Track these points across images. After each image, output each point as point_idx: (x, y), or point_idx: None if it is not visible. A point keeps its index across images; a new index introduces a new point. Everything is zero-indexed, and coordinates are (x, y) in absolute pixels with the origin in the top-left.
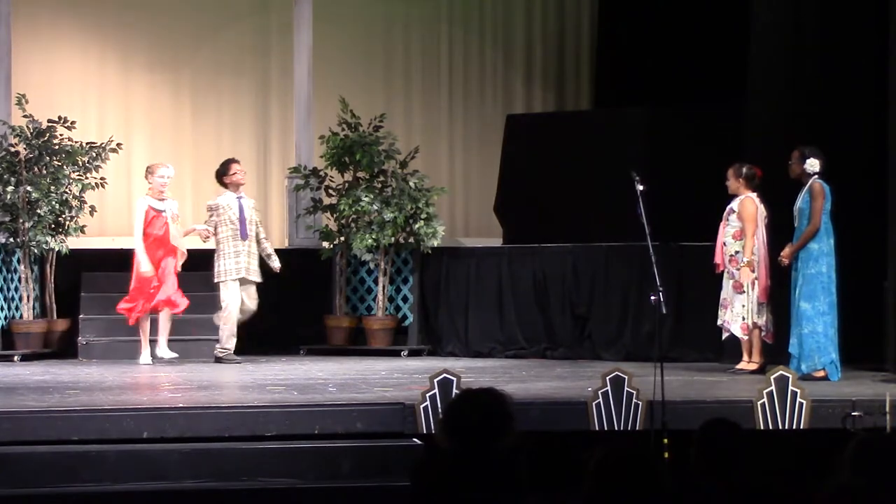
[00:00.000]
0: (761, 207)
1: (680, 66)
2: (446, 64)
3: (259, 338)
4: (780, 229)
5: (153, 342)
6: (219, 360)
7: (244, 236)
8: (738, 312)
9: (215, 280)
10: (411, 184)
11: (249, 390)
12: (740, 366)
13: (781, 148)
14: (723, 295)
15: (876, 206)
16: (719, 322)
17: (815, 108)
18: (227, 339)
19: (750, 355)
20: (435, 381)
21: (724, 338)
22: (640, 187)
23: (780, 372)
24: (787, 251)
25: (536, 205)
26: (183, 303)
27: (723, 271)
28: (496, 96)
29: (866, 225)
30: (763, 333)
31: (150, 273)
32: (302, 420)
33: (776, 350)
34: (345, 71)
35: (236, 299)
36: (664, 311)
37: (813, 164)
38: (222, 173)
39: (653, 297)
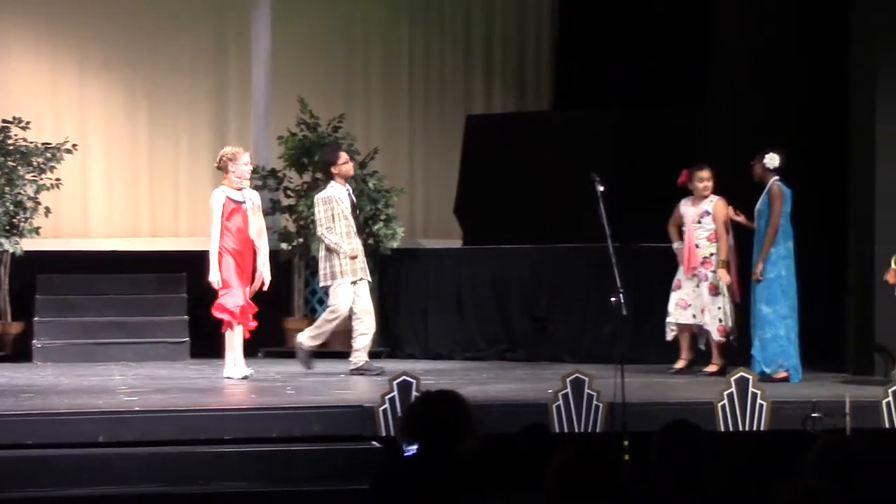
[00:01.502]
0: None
1: (641, 68)
2: (406, 64)
3: (216, 340)
4: (742, 233)
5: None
6: (361, 371)
7: (360, 231)
8: (716, 315)
9: (327, 283)
10: (370, 185)
11: (207, 393)
12: (708, 368)
13: (743, 151)
14: (680, 295)
15: (837, 208)
16: (672, 321)
17: (776, 112)
18: (317, 340)
19: (691, 354)
20: (394, 383)
21: (670, 338)
22: (601, 188)
23: (741, 373)
24: (758, 267)
25: (496, 206)
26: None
27: (694, 274)
28: (456, 97)
29: (827, 227)
30: (732, 337)
31: (218, 284)
32: (260, 423)
33: (735, 351)
34: (303, 71)
35: (348, 303)
36: (625, 313)
37: (773, 158)
38: (329, 162)
39: (613, 299)
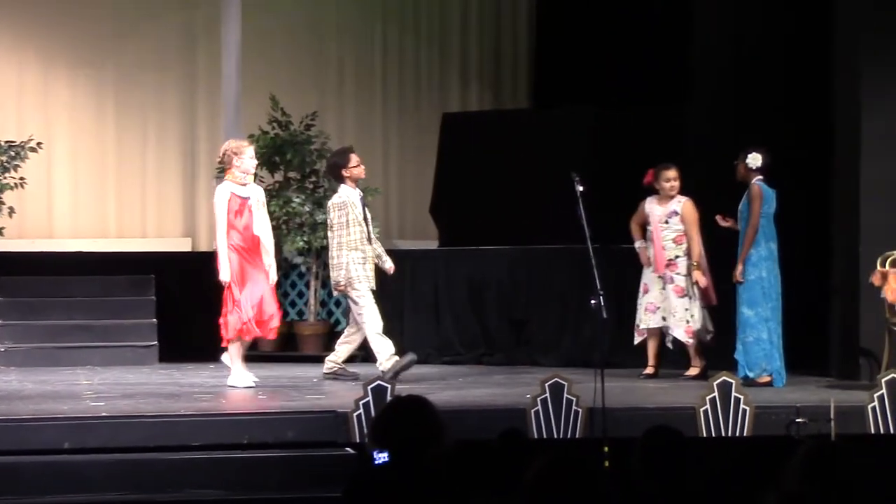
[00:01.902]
0: None
1: (622, 65)
2: (380, 60)
3: (185, 344)
4: (719, 234)
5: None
6: (393, 373)
7: (370, 239)
8: (682, 317)
9: (342, 288)
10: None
11: (175, 399)
12: (689, 372)
13: (725, 150)
14: (649, 299)
15: (821, 207)
16: (644, 325)
17: (758, 111)
18: (384, 345)
19: (658, 361)
20: (369, 388)
21: (637, 342)
22: (580, 188)
23: (723, 378)
24: (738, 269)
25: (473, 206)
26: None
27: (660, 276)
28: (431, 94)
29: (811, 227)
30: (710, 336)
31: (228, 280)
32: (230, 429)
33: (717, 354)
34: (275, 67)
35: (374, 306)
36: (605, 316)
37: (755, 158)
38: (340, 165)
39: (593, 302)
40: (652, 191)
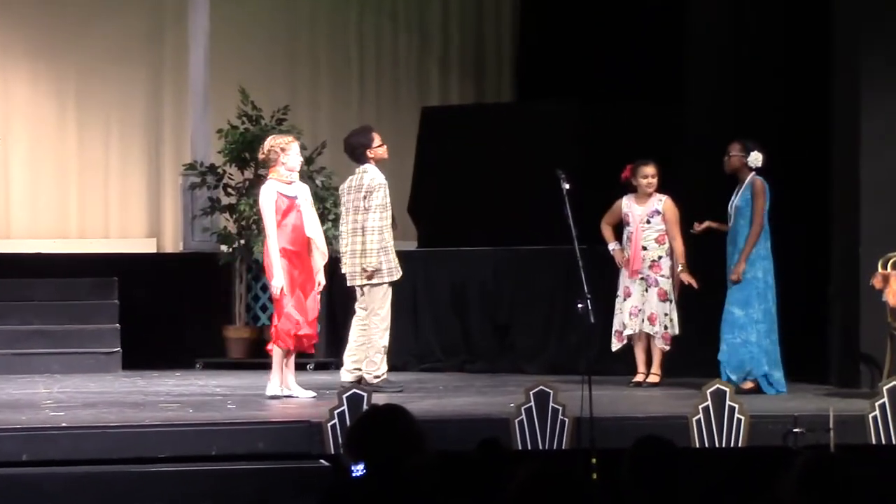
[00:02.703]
0: None
1: (611, 58)
2: (356, 51)
3: (150, 350)
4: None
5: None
6: (378, 388)
7: (395, 226)
8: (662, 322)
9: (375, 281)
10: (318, 182)
11: (140, 408)
12: (650, 379)
13: (719, 149)
14: (632, 303)
15: (819, 206)
16: (627, 332)
17: (755, 108)
18: (383, 360)
19: (648, 367)
20: (344, 397)
21: (616, 348)
22: (566, 186)
23: (717, 386)
24: (739, 266)
25: (454, 205)
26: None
27: (642, 278)
28: (410, 87)
29: (809, 228)
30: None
31: (283, 288)
32: (198, 440)
33: (701, 360)
34: (245, 58)
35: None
36: (592, 321)
37: (756, 159)
38: (365, 145)
39: (580, 305)
40: (628, 188)
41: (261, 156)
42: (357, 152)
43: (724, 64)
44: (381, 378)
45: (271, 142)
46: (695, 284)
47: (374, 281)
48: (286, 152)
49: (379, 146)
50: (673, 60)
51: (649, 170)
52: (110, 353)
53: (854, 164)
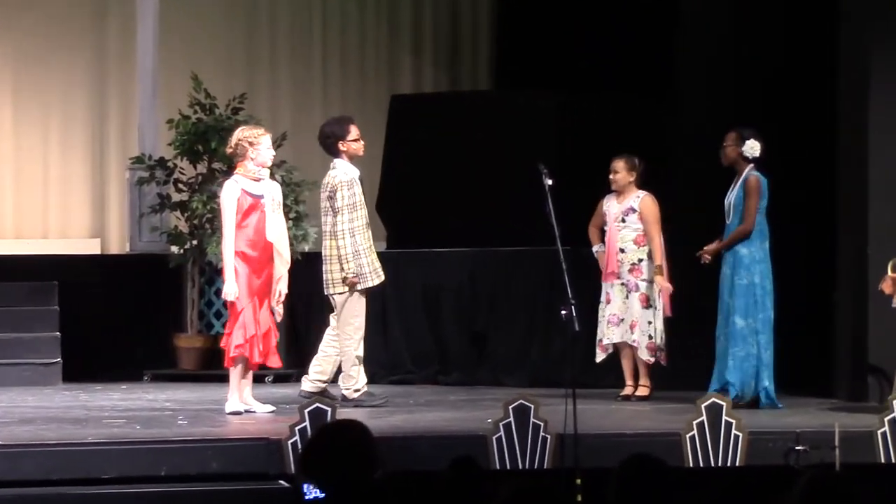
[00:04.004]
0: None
1: (595, 44)
2: (319, 35)
3: (93, 361)
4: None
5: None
6: (358, 403)
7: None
8: (645, 330)
9: (355, 280)
10: (277, 177)
11: (82, 424)
12: (639, 392)
13: (712, 141)
14: (612, 310)
15: (824, 207)
16: (607, 340)
17: (754, 99)
18: (361, 371)
19: (636, 379)
20: (306, 411)
21: (600, 360)
22: (549, 182)
23: (713, 400)
24: (710, 246)
25: (426, 202)
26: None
27: (613, 282)
28: (379, 74)
29: (813, 229)
30: (660, 354)
31: (235, 297)
32: (146, 459)
33: (691, 371)
34: (198, 42)
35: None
36: (577, 328)
37: (753, 147)
38: (338, 136)
39: (563, 312)
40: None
41: (228, 149)
42: (328, 142)
43: (721, 53)
44: (362, 391)
45: (240, 134)
46: (665, 290)
47: (339, 290)
48: (255, 146)
49: (354, 140)
50: (663, 49)
51: (616, 164)
52: (50, 364)
53: (862, 160)
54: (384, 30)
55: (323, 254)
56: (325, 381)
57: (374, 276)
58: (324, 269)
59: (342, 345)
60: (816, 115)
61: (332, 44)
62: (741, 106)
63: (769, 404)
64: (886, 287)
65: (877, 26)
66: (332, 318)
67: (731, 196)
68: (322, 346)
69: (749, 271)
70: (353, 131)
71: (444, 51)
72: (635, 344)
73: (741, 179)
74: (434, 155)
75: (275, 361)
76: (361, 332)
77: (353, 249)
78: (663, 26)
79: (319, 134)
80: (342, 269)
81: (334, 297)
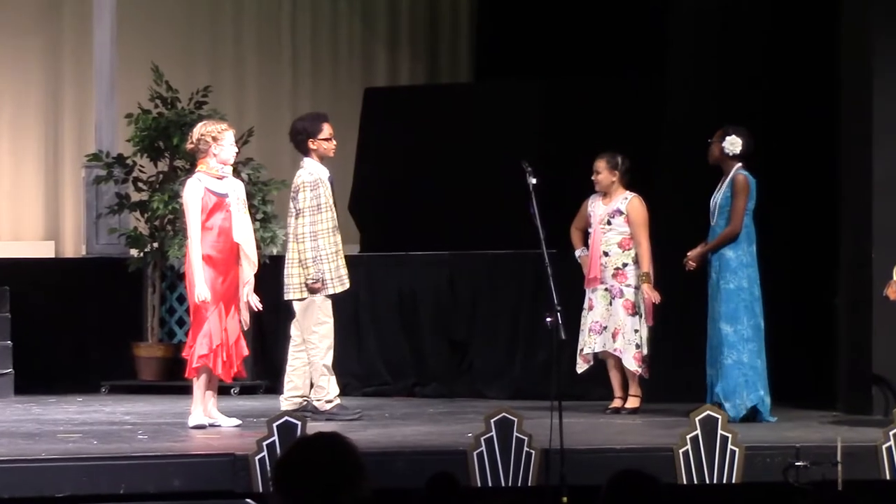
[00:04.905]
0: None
1: (582, 31)
2: (288, 24)
3: (47, 372)
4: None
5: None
6: (331, 416)
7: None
8: (631, 339)
9: (318, 286)
10: (244, 176)
11: (35, 439)
12: (629, 404)
13: (705, 136)
14: (594, 317)
15: (825, 207)
16: (588, 350)
17: (749, 91)
18: (332, 381)
19: (625, 390)
20: (274, 426)
21: (581, 370)
22: (533, 181)
23: (707, 413)
24: (695, 252)
25: (402, 202)
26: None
27: (596, 288)
28: (352, 65)
29: (813, 231)
30: (644, 365)
31: (207, 299)
32: (104, 477)
33: (683, 382)
34: (158, 32)
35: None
36: (563, 337)
37: (734, 143)
38: (308, 133)
39: (549, 319)
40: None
41: (188, 145)
42: (297, 139)
43: (715, 40)
44: (334, 403)
45: (202, 129)
46: (655, 299)
47: (298, 296)
48: (218, 142)
49: (325, 139)
50: (653, 35)
51: (597, 164)
52: (0, 375)
53: (866, 157)
54: (357, 19)
55: (286, 257)
56: (302, 395)
57: (338, 283)
58: (284, 272)
59: (309, 355)
60: (815, 110)
61: (302, 33)
62: (732, 97)
63: (763, 417)
64: (891, 292)
65: (879, 14)
66: (292, 328)
67: (718, 196)
68: (289, 360)
69: (736, 275)
70: (326, 130)
71: (422, 41)
72: (617, 353)
73: (728, 179)
74: (410, 151)
75: (241, 372)
76: (329, 341)
77: (315, 254)
78: (652, 10)
79: (291, 129)
80: (301, 274)
81: (293, 303)
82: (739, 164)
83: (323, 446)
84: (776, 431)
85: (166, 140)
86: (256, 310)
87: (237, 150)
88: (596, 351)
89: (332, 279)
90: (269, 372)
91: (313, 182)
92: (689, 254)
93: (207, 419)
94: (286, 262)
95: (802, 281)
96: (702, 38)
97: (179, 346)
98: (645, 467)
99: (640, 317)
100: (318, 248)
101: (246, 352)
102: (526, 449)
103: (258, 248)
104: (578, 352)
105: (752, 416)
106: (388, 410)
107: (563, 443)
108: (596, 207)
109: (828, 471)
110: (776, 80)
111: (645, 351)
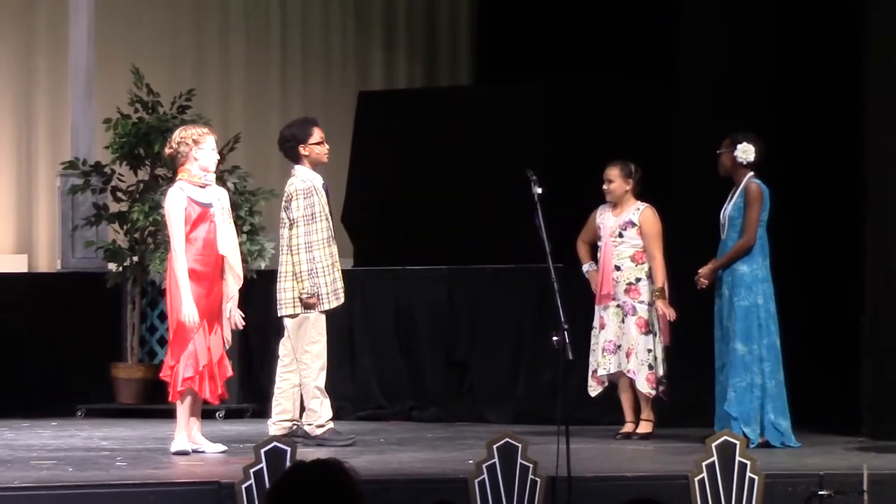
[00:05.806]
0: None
1: (589, 32)
2: (278, 22)
3: (20, 395)
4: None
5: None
6: (322, 441)
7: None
8: (644, 360)
9: (313, 301)
10: (230, 185)
11: (7, 466)
12: (641, 428)
13: (716, 140)
14: (607, 336)
15: (849, 216)
16: (603, 371)
17: (765, 92)
18: (324, 405)
19: (637, 414)
20: (262, 452)
21: (595, 393)
22: (538, 190)
23: (725, 438)
24: (706, 268)
25: (399, 213)
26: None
27: (608, 305)
28: (346, 68)
29: (834, 240)
30: (662, 388)
31: (196, 321)
32: None
33: (697, 405)
34: (139, 32)
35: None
36: (570, 357)
37: (746, 151)
38: (298, 139)
39: (555, 338)
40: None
41: (168, 150)
42: (287, 146)
43: (732, 40)
44: (326, 428)
45: (181, 133)
46: (670, 316)
47: (290, 311)
48: (199, 145)
49: (317, 144)
50: (664, 36)
51: (610, 172)
52: None
53: (892, 155)
54: (351, 21)
55: (279, 270)
56: (291, 419)
57: (333, 298)
58: (277, 287)
59: (300, 376)
60: (839, 112)
61: (291, 35)
62: (749, 100)
63: (780, 442)
64: None
65: None
66: (281, 347)
67: (729, 208)
68: (277, 382)
69: (751, 291)
70: (317, 134)
71: (420, 43)
72: (631, 374)
73: (740, 188)
74: (407, 159)
75: (223, 394)
76: (322, 361)
77: (310, 267)
78: (663, 10)
79: (280, 137)
80: (295, 289)
81: (284, 320)
82: (752, 173)
83: (319, 473)
84: (798, 458)
85: (147, 147)
86: (239, 328)
87: (220, 158)
88: (611, 372)
89: (327, 294)
90: (256, 394)
91: (306, 190)
92: (700, 271)
93: (191, 445)
94: (279, 275)
95: (820, 296)
96: (712, 44)
97: (161, 367)
98: (658, 496)
99: (654, 335)
100: (314, 261)
101: (230, 372)
102: (531, 476)
103: (244, 261)
104: (591, 373)
105: (772, 441)
106: (384, 435)
107: (571, 470)
108: (606, 219)
109: (853, 500)
110: (795, 76)
111: (660, 371)
